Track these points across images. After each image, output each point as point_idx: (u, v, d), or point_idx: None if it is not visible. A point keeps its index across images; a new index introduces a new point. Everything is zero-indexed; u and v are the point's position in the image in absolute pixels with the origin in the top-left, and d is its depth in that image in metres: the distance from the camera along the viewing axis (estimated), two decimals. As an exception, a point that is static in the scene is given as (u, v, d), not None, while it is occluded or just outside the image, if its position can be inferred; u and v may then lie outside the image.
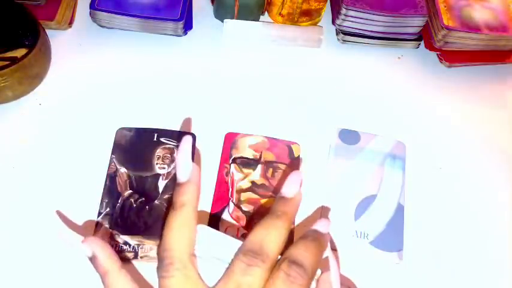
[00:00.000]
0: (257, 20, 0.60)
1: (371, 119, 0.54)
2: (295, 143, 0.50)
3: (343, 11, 0.56)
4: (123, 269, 0.26)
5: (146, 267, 0.42)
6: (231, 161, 0.48)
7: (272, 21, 0.60)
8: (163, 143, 0.48)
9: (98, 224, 0.43)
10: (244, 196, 0.47)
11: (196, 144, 0.49)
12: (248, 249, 0.25)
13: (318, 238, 0.26)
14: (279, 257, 0.26)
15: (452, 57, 0.59)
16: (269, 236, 0.25)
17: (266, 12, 0.60)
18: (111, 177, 0.46)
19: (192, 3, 0.59)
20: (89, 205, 0.45)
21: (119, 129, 0.49)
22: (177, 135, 0.49)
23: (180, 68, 0.55)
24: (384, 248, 0.45)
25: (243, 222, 0.45)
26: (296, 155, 0.49)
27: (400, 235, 0.46)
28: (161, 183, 0.46)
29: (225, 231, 0.44)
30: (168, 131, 0.49)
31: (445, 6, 0.58)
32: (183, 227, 0.25)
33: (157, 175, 0.46)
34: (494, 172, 0.52)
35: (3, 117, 0.49)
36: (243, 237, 0.44)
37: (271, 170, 0.48)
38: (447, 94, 0.57)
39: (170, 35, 0.57)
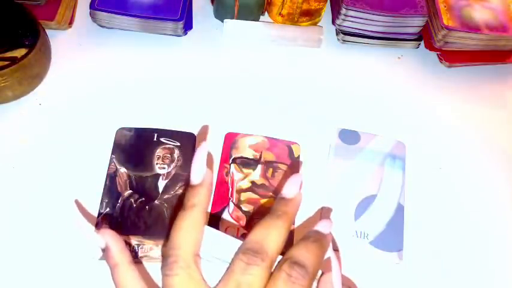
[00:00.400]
0: (257, 20, 0.60)
1: (371, 119, 0.54)
2: (295, 143, 0.50)
3: (343, 11, 0.56)
4: (132, 264, 0.26)
5: (146, 267, 0.42)
6: (231, 161, 0.48)
7: (272, 21, 0.60)
8: (163, 143, 0.48)
9: (98, 224, 0.43)
10: (244, 196, 0.47)
11: (196, 144, 0.49)
12: (248, 248, 0.25)
13: (319, 239, 0.26)
14: (280, 257, 0.26)
15: (452, 57, 0.59)
16: (269, 235, 0.25)
17: (266, 12, 0.60)
18: (111, 177, 0.46)
19: (192, 3, 0.59)
20: (89, 205, 0.45)
21: (119, 129, 0.49)
22: (177, 135, 0.49)
23: (180, 68, 0.55)
24: (384, 248, 0.45)
25: (243, 222, 0.45)
26: (296, 155, 0.49)
27: (400, 235, 0.46)
28: (161, 183, 0.46)
29: (225, 231, 0.44)
30: (168, 131, 0.49)
31: (445, 6, 0.58)
32: (191, 228, 0.26)
33: (157, 175, 0.46)
34: (494, 172, 0.52)
35: (3, 117, 0.49)
36: (243, 237, 0.44)
37: (271, 170, 0.48)
38: (447, 94, 0.57)
39: (170, 35, 0.57)
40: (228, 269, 0.25)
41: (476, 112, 0.56)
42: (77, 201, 0.45)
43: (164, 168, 0.47)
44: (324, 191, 0.48)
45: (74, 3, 0.58)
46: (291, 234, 0.45)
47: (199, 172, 0.27)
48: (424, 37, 0.60)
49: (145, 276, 0.40)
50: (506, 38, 0.57)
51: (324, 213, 0.46)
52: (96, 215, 0.44)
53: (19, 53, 0.49)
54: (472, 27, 0.56)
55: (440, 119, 0.55)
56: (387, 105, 0.55)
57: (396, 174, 0.49)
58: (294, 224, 0.45)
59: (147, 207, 0.45)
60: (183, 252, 0.25)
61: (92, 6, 0.54)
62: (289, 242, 0.44)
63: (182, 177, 0.47)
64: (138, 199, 0.45)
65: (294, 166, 0.49)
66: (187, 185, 0.46)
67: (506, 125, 0.56)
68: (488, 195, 0.50)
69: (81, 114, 0.50)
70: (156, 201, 0.45)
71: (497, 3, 0.59)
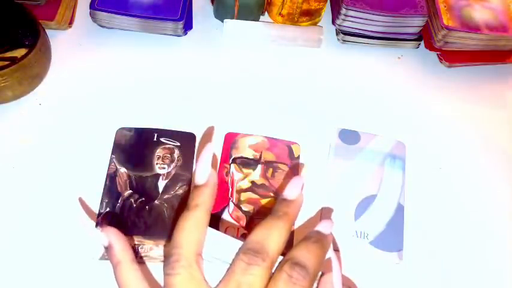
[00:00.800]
0: (257, 20, 0.60)
1: (371, 119, 0.53)
2: (295, 143, 0.50)
3: (343, 11, 0.56)
4: (135, 263, 0.26)
5: (148, 267, 0.42)
6: (231, 161, 0.48)
7: (272, 21, 0.60)
8: (163, 143, 0.48)
9: (97, 224, 0.43)
10: (244, 196, 0.47)
11: (196, 144, 0.49)
12: (249, 248, 0.25)
13: (320, 239, 0.26)
14: (281, 258, 0.26)
15: (452, 57, 0.59)
16: (270, 235, 0.25)
17: (266, 12, 0.60)
18: (111, 177, 0.46)
19: (192, 3, 0.59)
20: (89, 205, 0.45)
21: (119, 129, 0.49)
22: (177, 135, 0.49)
23: (180, 68, 0.55)
24: (384, 248, 0.45)
25: (243, 222, 0.45)
26: (296, 155, 0.49)
27: (400, 235, 0.46)
28: (161, 183, 0.46)
29: (225, 231, 0.45)
30: (168, 131, 0.49)
31: (445, 6, 0.58)
32: (193, 228, 0.26)
33: (157, 175, 0.46)
34: (494, 172, 0.52)
35: (3, 117, 0.49)
36: (243, 237, 0.44)
37: (271, 170, 0.48)
38: (447, 94, 0.57)
39: (170, 35, 0.57)
40: (228, 269, 0.25)
41: (476, 112, 0.56)
42: (80, 199, 0.45)
43: (164, 168, 0.47)
44: (324, 191, 0.48)
45: (74, 3, 0.58)
46: (291, 235, 0.45)
47: (205, 172, 0.27)
48: (424, 37, 0.60)
49: (147, 276, 0.41)
50: (506, 38, 0.57)
51: (324, 213, 0.46)
52: (96, 215, 0.44)
53: (19, 53, 0.49)
54: (472, 27, 0.56)
55: (441, 119, 0.55)
56: (387, 105, 0.55)
57: (396, 174, 0.49)
58: (293, 225, 0.45)
59: (147, 207, 0.45)
60: (185, 251, 0.25)
61: (92, 6, 0.54)
62: (289, 243, 0.44)
63: (182, 177, 0.47)
64: (138, 199, 0.45)
65: (294, 166, 0.49)
66: (187, 185, 0.46)
67: (506, 125, 0.56)
68: (488, 195, 0.50)
69: (81, 114, 0.50)
70: (156, 201, 0.45)
71: (497, 3, 0.59)
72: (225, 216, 0.45)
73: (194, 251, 0.25)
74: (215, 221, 0.45)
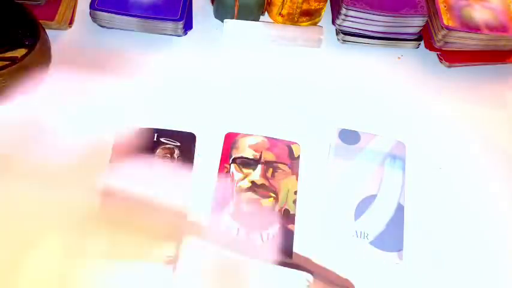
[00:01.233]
0: (257, 20, 0.60)
1: (371, 119, 0.53)
2: (295, 143, 0.50)
3: (343, 11, 0.56)
4: None
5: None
6: (231, 161, 0.48)
7: (272, 21, 0.60)
8: (163, 143, 0.48)
9: (98, 224, 0.43)
10: (244, 196, 0.47)
11: (197, 144, 0.49)
12: None
13: None
14: (296, 271, 0.25)
15: (452, 57, 0.59)
16: None
17: (266, 12, 0.60)
18: (111, 177, 0.46)
19: (192, 3, 0.59)
20: (89, 205, 0.45)
21: (119, 129, 0.49)
22: (177, 135, 0.49)
23: (180, 68, 0.55)
24: (383, 248, 0.45)
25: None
26: (296, 155, 0.49)
27: (400, 235, 0.46)
28: (161, 183, 0.46)
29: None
30: (168, 131, 0.49)
31: (445, 6, 0.58)
32: None
33: (158, 175, 0.46)
34: (494, 172, 0.52)
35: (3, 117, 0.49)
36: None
37: (271, 170, 0.48)
38: (447, 94, 0.57)
39: (170, 35, 0.57)
40: None
41: (476, 112, 0.56)
42: None
43: (164, 168, 0.47)
44: (324, 191, 0.48)
45: (74, 3, 0.58)
46: (291, 235, 0.45)
47: None
48: (424, 37, 0.60)
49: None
50: (506, 38, 0.57)
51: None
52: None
53: (19, 53, 0.49)
54: (472, 27, 0.56)
55: (440, 119, 0.55)
56: (387, 105, 0.55)
57: (396, 174, 0.49)
58: (294, 225, 0.45)
59: (147, 207, 0.45)
60: None
61: (92, 6, 0.54)
62: (289, 243, 0.44)
63: (182, 177, 0.47)
64: (138, 199, 0.45)
65: (294, 166, 0.49)
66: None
67: (506, 125, 0.56)
68: (488, 195, 0.50)
69: (81, 114, 0.50)
70: (156, 201, 0.45)
71: (497, 3, 0.59)
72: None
73: None
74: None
